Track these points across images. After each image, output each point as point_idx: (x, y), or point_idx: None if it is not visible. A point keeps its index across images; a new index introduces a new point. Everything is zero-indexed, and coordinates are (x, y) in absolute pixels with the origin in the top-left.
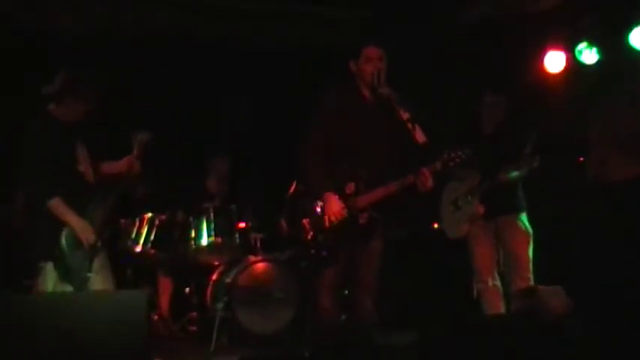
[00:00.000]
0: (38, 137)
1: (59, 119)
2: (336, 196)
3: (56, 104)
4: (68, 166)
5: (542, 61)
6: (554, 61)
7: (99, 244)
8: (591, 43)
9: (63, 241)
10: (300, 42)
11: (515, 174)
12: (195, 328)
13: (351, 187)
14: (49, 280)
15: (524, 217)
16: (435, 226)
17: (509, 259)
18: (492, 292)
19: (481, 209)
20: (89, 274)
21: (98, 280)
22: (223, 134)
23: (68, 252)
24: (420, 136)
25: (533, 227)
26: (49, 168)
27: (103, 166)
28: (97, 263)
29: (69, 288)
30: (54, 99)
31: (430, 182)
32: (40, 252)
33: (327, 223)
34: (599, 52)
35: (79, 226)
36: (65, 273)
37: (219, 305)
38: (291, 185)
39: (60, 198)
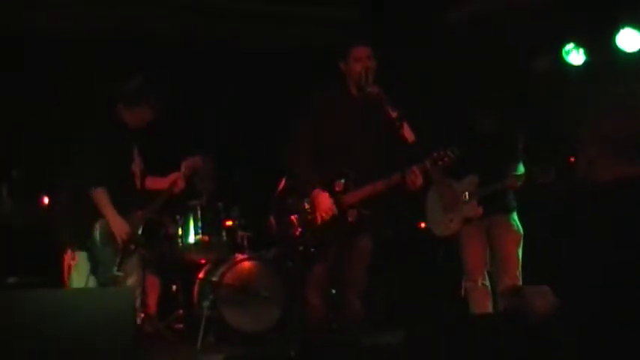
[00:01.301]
0: (99, 132)
1: (125, 120)
2: (326, 193)
3: (126, 106)
4: (122, 166)
5: (531, 60)
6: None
7: (132, 246)
8: (578, 44)
9: (96, 233)
10: (290, 41)
11: (520, 172)
12: (181, 325)
13: (339, 185)
14: (81, 270)
15: (515, 216)
16: (422, 225)
17: (498, 258)
18: (481, 292)
19: (480, 210)
20: (118, 273)
21: (130, 282)
22: (210, 131)
23: (100, 245)
24: (408, 135)
25: (522, 227)
26: (102, 160)
27: (148, 179)
28: (130, 265)
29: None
30: (125, 100)
31: (420, 180)
32: (72, 240)
33: (317, 220)
34: (586, 53)
35: (115, 221)
36: (93, 266)
37: (206, 303)
38: (280, 182)
39: (105, 189)
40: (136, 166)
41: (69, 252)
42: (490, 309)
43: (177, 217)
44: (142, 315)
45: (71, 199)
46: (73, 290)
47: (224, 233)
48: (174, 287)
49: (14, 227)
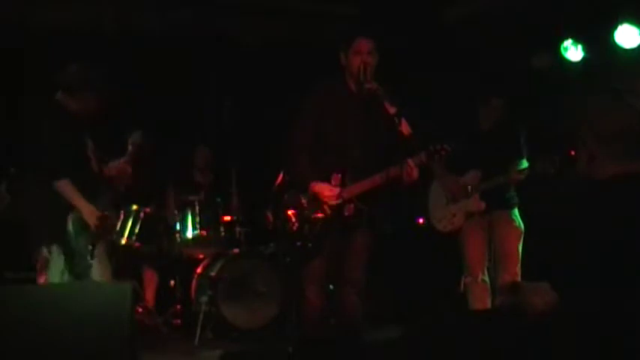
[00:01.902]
0: (48, 123)
1: (68, 109)
2: (324, 183)
3: (67, 94)
4: (77, 154)
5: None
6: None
7: (105, 232)
8: (577, 41)
9: (70, 225)
10: (291, 36)
11: (523, 166)
12: (179, 321)
13: (336, 179)
14: (56, 264)
15: (516, 212)
16: (421, 221)
17: (499, 253)
18: (480, 287)
19: (482, 205)
20: (91, 261)
21: (99, 269)
22: (208, 126)
23: (74, 236)
24: (406, 129)
25: (523, 223)
26: (58, 152)
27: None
28: (97, 251)
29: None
30: (64, 88)
31: (415, 173)
32: (44, 235)
33: (327, 209)
34: (584, 49)
35: (86, 209)
36: (70, 258)
37: (204, 299)
38: (278, 177)
39: (68, 180)
40: (91, 155)
41: (43, 248)
42: (489, 305)
43: (176, 212)
44: (140, 310)
45: (38, 195)
46: (71, 285)
47: (222, 228)
48: (172, 282)
49: (12, 223)
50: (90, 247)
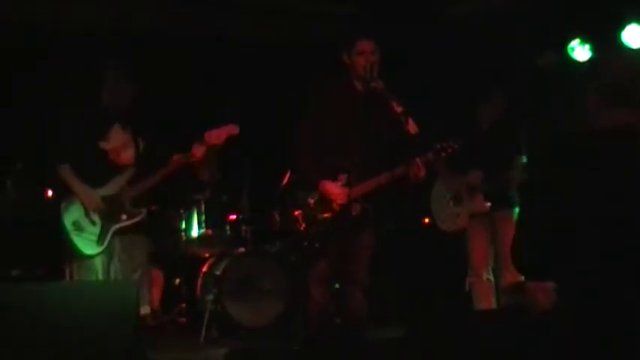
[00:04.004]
0: (66, 117)
1: (100, 104)
2: (332, 182)
3: (101, 91)
4: (89, 143)
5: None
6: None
7: (122, 217)
8: (584, 40)
9: (63, 214)
10: (296, 35)
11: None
12: (184, 319)
13: (342, 179)
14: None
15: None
16: (426, 220)
17: (501, 253)
18: (485, 287)
19: (486, 205)
20: (100, 247)
21: (120, 266)
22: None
23: (72, 228)
24: (413, 128)
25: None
26: (64, 140)
27: (174, 158)
28: (117, 246)
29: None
30: (99, 83)
31: (422, 172)
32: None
33: (336, 207)
34: (591, 49)
35: (82, 193)
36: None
37: (209, 297)
38: (285, 176)
39: (69, 166)
40: (115, 143)
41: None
42: (494, 304)
43: (181, 210)
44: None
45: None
46: (76, 283)
47: (228, 227)
48: (177, 281)
49: (19, 219)
50: (99, 228)
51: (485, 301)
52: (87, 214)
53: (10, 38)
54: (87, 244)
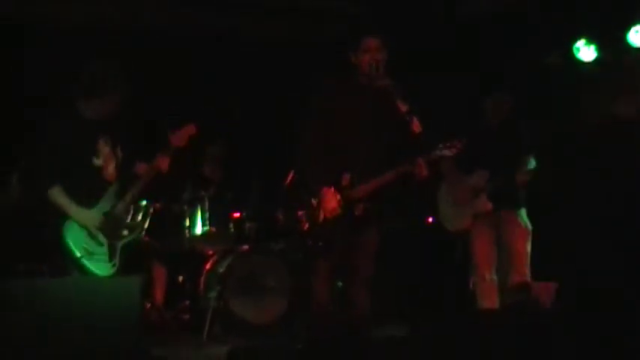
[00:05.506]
0: (49, 131)
1: (84, 115)
2: (332, 191)
3: (84, 100)
4: (81, 160)
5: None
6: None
7: (124, 233)
8: (590, 40)
9: (68, 238)
10: (297, 35)
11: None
12: (188, 316)
13: (346, 179)
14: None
15: (523, 212)
16: (430, 220)
17: (507, 253)
18: (489, 287)
19: (489, 206)
20: (111, 262)
21: None
22: (221, 121)
23: (83, 254)
24: (417, 127)
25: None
26: (52, 160)
27: (139, 167)
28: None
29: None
30: (81, 95)
31: (425, 171)
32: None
33: (321, 218)
34: (597, 49)
35: (80, 215)
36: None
37: (212, 294)
38: (289, 175)
39: (60, 187)
40: (105, 158)
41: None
42: (497, 304)
43: (185, 207)
44: (148, 305)
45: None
46: (80, 279)
47: (231, 225)
48: (180, 278)
49: (24, 215)
50: (106, 247)
51: (489, 300)
52: (91, 235)
53: (10, 38)
54: (100, 266)
